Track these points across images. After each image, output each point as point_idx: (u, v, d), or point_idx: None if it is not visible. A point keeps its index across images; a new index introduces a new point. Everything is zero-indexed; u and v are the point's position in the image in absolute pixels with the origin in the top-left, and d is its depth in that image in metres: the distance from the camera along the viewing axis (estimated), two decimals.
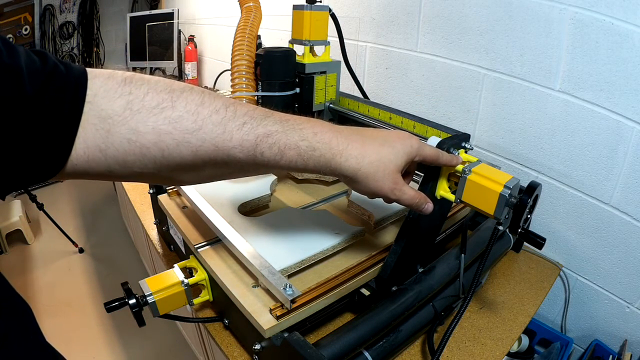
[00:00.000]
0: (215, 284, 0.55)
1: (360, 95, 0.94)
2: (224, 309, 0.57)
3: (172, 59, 2.02)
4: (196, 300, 0.57)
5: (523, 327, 0.62)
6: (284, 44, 0.83)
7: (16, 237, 2.00)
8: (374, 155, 0.39)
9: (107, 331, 1.54)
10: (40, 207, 1.86)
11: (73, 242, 1.99)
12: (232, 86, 0.77)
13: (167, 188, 0.72)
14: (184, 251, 0.67)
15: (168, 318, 0.53)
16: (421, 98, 1.01)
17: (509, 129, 0.85)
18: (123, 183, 1.08)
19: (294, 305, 0.46)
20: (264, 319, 0.45)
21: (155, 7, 2.66)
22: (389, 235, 0.63)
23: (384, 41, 1.06)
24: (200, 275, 0.56)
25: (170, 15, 1.98)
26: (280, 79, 0.76)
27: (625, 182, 0.70)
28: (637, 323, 0.74)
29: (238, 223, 0.59)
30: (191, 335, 1.10)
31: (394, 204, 0.44)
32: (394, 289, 0.53)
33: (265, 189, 0.70)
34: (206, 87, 1.03)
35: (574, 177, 0.77)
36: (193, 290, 0.55)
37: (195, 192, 0.65)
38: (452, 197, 0.48)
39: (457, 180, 0.46)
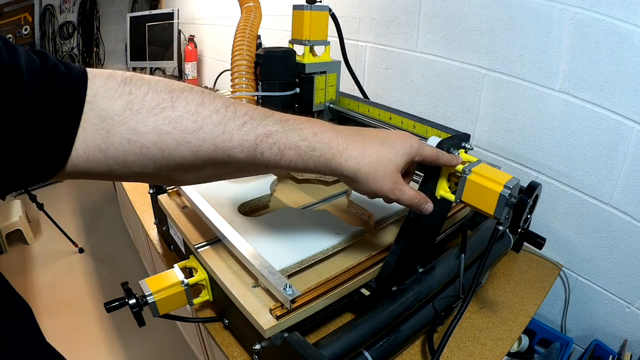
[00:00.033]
0: (215, 284, 0.55)
1: (360, 95, 0.94)
2: (224, 309, 0.57)
3: (172, 59, 2.02)
4: (196, 300, 0.57)
5: (523, 327, 0.62)
6: (284, 44, 0.83)
7: (16, 237, 2.00)
8: (374, 155, 0.39)
9: (107, 331, 1.54)
10: (40, 207, 1.86)
11: (73, 242, 1.99)
12: (232, 86, 0.77)
13: (167, 188, 0.72)
14: (184, 251, 0.67)
15: (168, 318, 0.53)
16: (421, 98, 1.01)
17: (509, 129, 0.85)
18: (123, 183, 1.08)
19: (294, 305, 0.46)
20: (264, 319, 0.45)
21: (155, 7, 2.66)
22: (389, 235, 0.63)
23: (384, 41, 1.06)
24: (200, 275, 0.56)
25: (170, 15, 1.98)
26: (280, 79, 0.76)
27: (625, 182, 0.70)
28: (637, 323, 0.74)
29: (238, 223, 0.59)
30: (191, 335, 1.10)
31: (394, 204, 0.44)
32: (394, 289, 0.53)
33: (265, 189, 0.70)
34: (206, 87, 1.03)
35: (574, 177, 0.77)
36: (193, 290, 0.55)
37: (195, 192, 0.65)
38: (452, 197, 0.48)
39: (457, 180, 0.46)
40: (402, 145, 0.41)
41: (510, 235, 0.69)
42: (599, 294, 0.79)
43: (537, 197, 0.46)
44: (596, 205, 0.75)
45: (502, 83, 0.83)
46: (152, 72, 2.16)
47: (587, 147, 0.74)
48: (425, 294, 0.54)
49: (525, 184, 0.45)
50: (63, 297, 1.71)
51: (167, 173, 0.33)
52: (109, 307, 0.48)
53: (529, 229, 0.52)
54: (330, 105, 0.86)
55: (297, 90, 0.80)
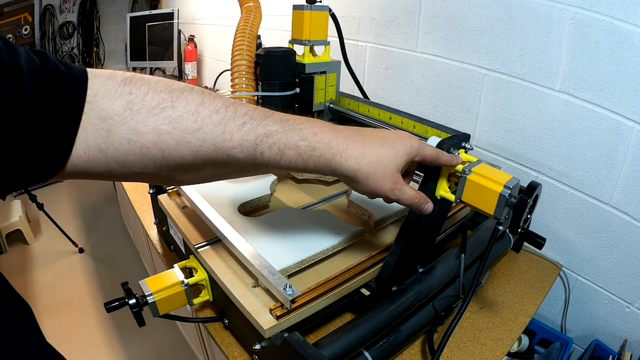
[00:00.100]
0: (215, 284, 0.55)
1: (360, 95, 0.94)
2: (224, 309, 0.57)
3: (172, 59, 2.02)
4: (196, 300, 0.57)
5: (523, 327, 0.62)
6: (284, 44, 0.83)
7: (16, 237, 2.00)
8: (374, 155, 0.39)
9: (107, 331, 1.54)
10: (40, 207, 1.86)
11: (73, 242, 1.99)
12: (232, 86, 0.77)
13: (167, 188, 0.72)
14: (184, 251, 0.67)
15: (168, 318, 0.53)
16: (421, 98, 1.01)
17: (509, 129, 0.85)
18: (123, 183, 1.08)
19: (294, 305, 0.46)
20: (264, 319, 0.45)
21: (155, 7, 2.66)
22: (389, 235, 0.63)
23: (384, 41, 1.06)
24: (200, 275, 0.56)
25: (170, 15, 1.98)
26: (280, 79, 0.76)
27: (625, 182, 0.70)
28: (637, 323, 0.74)
29: (238, 223, 0.59)
30: (191, 335, 1.10)
31: (394, 204, 0.44)
32: (394, 289, 0.53)
33: (265, 189, 0.70)
34: (206, 87, 1.03)
35: (574, 177, 0.77)
36: (193, 290, 0.55)
37: (195, 192, 0.65)
38: (452, 197, 0.48)
39: (457, 180, 0.46)
40: (402, 145, 0.41)
41: (510, 235, 0.69)
42: (599, 294, 0.79)
43: (537, 197, 0.46)
44: (596, 205, 0.75)
45: (502, 83, 0.83)
46: (152, 72, 2.16)
47: (587, 147, 0.74)
48: (425, 294, 0.54)
49: (525, 184, 0.45)
50: (63, 297, 1.71)
51: (167, 173, 0.33)
52: (109, 307, 0.48)
53: (529, 229, 0.52)
54: (330, 105, 0.86)
55: (297, 90, 0.80)
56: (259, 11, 0.80)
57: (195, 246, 0.58)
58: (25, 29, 2.47)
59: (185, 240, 0.62)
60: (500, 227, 0.45)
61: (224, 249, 0.58)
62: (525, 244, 0.64)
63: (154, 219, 0.82)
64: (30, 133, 0.25)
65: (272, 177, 0.74)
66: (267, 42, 1.34)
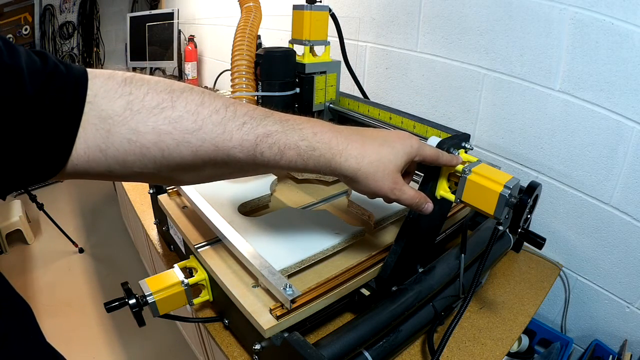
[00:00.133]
0: (215, 284, 0.55)
1: (360, 95, 0.94)
2: (224, 309, 0.57)
3: (172, 59, 2.02)
4: (196, 300, 0.57)
5: (523, 327, 0.62)
6: (284, 44, 0.83)
7: (16, 237, 2.00)
8: (374, 155, 0.39)
9: (107, 331, 1.54)
10: (40, 207, 1.86)
11: (73, 242, 1.99)
12: (232, 86, 0.77)
13: (167, 188, 0.72)
14: (184, 251, 0.67)
15: (168, 318, 0.53)
16: (421, 98, 1.01)
17: (509, 129, 0.85)
18: (123, 183, 1.08)
19: (294, 305, 0.46)
20: (264, 319, 0.45)
21: (155, 7, 2.66)
22: (389, 235, 0.63)
23: (384, 41, 1.06)
24: (200, 275, 0.56)
25: (170, 15, 1.98)
26: (280, 79, 0.76)
27: (625, 182, 0.70)
28: (637, 323, 0.74)
29: (238, 223, 0.59)
30: (191, 335, 1.10)
31: (394, 204, 0.44)
32: (394, 289, 0.53)
33: (265, 189, 0.70)
34: (206, 87, 1.03)
35: (574, 177, 0.77)
36: (193, 290, 0.55)
37: (195, 192, 0.65)
38: (452, 197, 0.48)
39: (457, 180, 0.46)
40: (402, 145, 0.41)
41: (510, 235, 0.69)
42: (599, 294, 0.79)
43: (537, 197, 0.46)
44: (596, 205, 0.75)
45: (502, 83, 0.83)
46: (152, 72, 2.16)
47: (587, 147, 0.74)
48: (425, 294, 0.54)
49: (525, 184, 0.45)
50: (63, 297, 1.71)
51: (167, 173, 0.33)
52: (109, 307, 0.48)
53: (529, 229, 0.52)
54: (330, 105, 0.86)
55: (297, 90, 0.80)
56: (259, 11, 0.80)
57: (195, 246, 0.58)
58: (25, 29, 2.47)
59: (185, 240, 0.62)
60: (500, 227, 0.45)
61: (224, 249, 0.58)
62: (525, 244, 0.64)
63: (154, 219, 0.82)
64: (30, 133, 0.25)
65: (272, 177, 0.74)
66: (267, 42, 1.34)
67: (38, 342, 0.33)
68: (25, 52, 0.26)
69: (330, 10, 0.81)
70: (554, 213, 0.82)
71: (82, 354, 1.44)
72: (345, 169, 0.38)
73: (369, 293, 0.54)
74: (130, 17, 2.15)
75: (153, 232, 0.83)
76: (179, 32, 2.01)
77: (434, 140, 0.49)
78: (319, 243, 0.55)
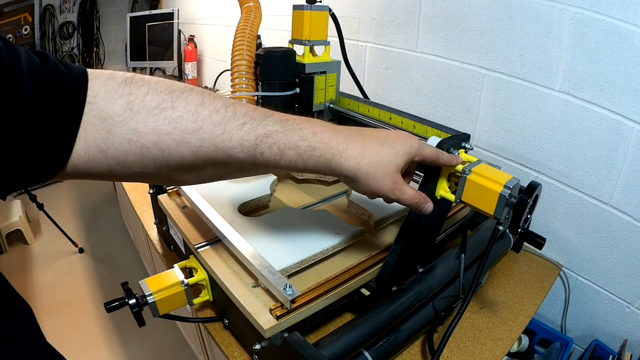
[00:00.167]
0: (215, 284, 0.55)
1: (360, 95, 0.94)
2: (224, 309, 0.57)
3: (172, 59, 2.02)
4: (196, 300, 0.57)
5: (523, 327, 0.62)
6: (284, 44, 0.83)
7: (16, 237, 2.00)
8: (374, 155, 0.39)
9: (107, 331, 1.54)
10: (40, 207, 1.86)
11: (73, 242, 1.99)
12: (232, 86, 0.77)
13: (167, 188, 0.72)
14: (184, 251, 0.67)
15: (168, 318, 0.53)
16: (421, 98, 1.01)
17: (509, 129, 0.85)
18: (123, 183, 1.08)
19: (294, 305, 0.46)
20: (264, 319, 0.45)
21: (155, 7, 2.66)
22: (389, 235, 0.63)
23: (384, 41, 1.06)
24: (200, 275, 0.56)
25: (170, 15, 1.98)
26: (280, 79, 0.76)
27: (625, 182, 0.70)
28: (637, 323, 0.74)
29: (238, 223, 0.59)
30: (191, 335, 1.10)
31: (394, 204, 0.44)
32: (394, 289, 0.53)
33: (265, 189, 0.70)
34: (206, 87, 1.03)
35: (574, 177, 0.77)
36: (193, 290, 0.55)
37: (195, 192, 0.65)
38: (452, 197, 0.48)
39: (457, 180, 0.46)
40: (402, 145, 0.41)
41: (510, 235, 0.69)
42: (599, 294, 0.79)
43: (537, 197, 0.46)
44: (596, 205, 0.75)
45: (502, 83, 0.83)
46: (152, 72, 2.16)
47: (587, 147, 0.74)
48: (425, 294, 0.54)
49: (525, 184, 0.45)
50: (63, 297, 1.71)
51: (167, 173, 0.33)
52: (109, 307, 0.48)
53: (529, 229, 0.52)
54: (330, 105, 0.86)
55: (297, 90, 0.80)
56: (259, 11, 0.80)
57: (195, 246, 0.58)
58: (25, 29, 2.47)
59: (185, 240, 0.62)
60: (500, 227, 0.45)
61: (224, 249, 0.58)
62: (525, 244, 0.64)
63: (154, 219, 0.82)
64: (30, 133, 0.25)
65: (272, 177, 0.74)
66: (267, 42, 1.34)
67: (38, 342, 0.33)
68: (26, 52, 0.26)
69: (330, 10, 0.81)
70: (554, 213, 0.82)
71: (82, 354, 1.44)
72: (345, 169, 0.38)
73: (369, 293, 0.54)
74: (130, 17, 2.15)
75: (153, 232, 0.83)
76: (179, 32, 2.01)
77: (434, 140, 0.49)
78: (319, 243, 0.55)
